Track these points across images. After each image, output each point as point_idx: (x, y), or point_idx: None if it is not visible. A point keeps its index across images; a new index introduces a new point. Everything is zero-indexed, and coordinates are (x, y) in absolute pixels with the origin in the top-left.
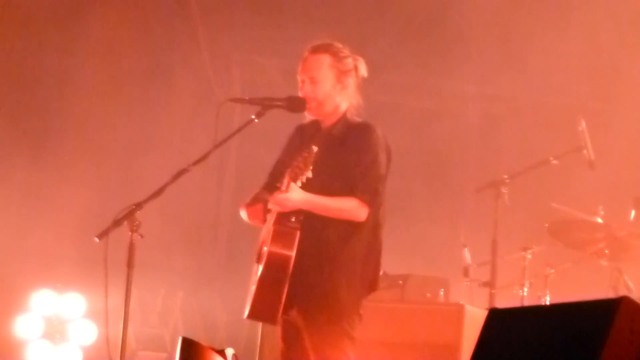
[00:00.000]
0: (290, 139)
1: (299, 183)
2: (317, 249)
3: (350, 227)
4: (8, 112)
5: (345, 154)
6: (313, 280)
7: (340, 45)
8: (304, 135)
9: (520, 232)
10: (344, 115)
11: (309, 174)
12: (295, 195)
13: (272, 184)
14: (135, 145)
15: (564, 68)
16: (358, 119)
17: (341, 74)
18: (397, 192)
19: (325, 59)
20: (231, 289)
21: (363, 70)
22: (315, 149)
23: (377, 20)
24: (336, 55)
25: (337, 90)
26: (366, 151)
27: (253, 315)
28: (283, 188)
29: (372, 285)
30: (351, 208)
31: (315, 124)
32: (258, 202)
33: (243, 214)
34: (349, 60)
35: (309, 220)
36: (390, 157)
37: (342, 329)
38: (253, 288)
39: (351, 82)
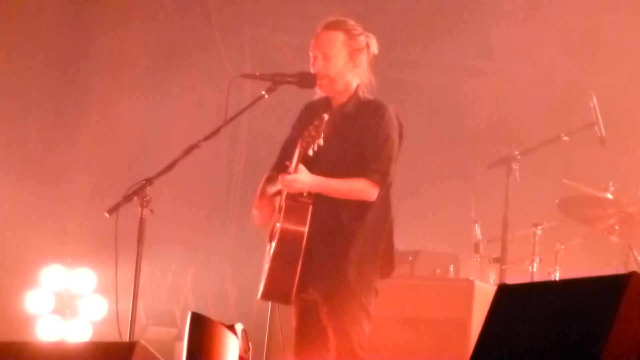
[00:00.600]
0: (300, 116)
1: (310, 152)
2: (329, 227)
3: (361, 205)
4: (20, 88)
5: (357, 132)
6: (327, 259)
7: (353, 23)
8: (315, 112)
9: (531, 208)
10: (356, 92)
11: (321, 142)
12: (303, 177)
13: (282, 162)
14: (147, 121)
15: (576, 44)
16: (370, 97)
17: (354, 52)
18: (408, 168)
19: (339, 36)
20: (242, 264)
21: (374, 48)
22: (326, 117)
23: None
24: (349, 33)
25: (349, 67)
26: (378, 131)
27: (267, 295)
28: (292, 168)
29: (389, 263)
30: (361, 189)
31: (326, 100)
32: (263, 196)
33: (255, 214)
34: (362, 37)
35: (320, 199)
36: (402, 136)
37: (360, 303)
38: (266, 267)
39: (363, 59)
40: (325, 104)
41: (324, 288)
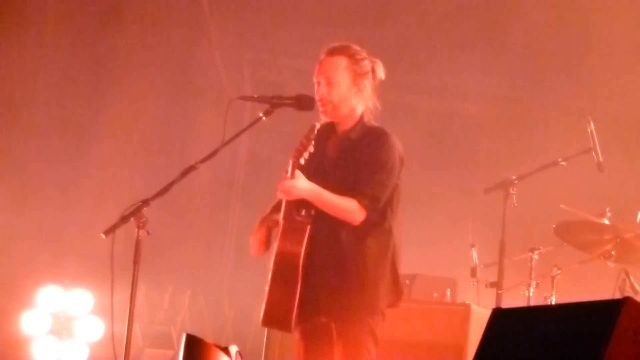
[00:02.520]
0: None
1: (302, 160)
2: (330, 250)
3: (360, 229)
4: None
5: (358, 158)
6: (334, 282)
7: (357, 48)
8: (319, 136)
9: (528, 232)
10: (361, 119)
11: (311, 149)
12: (300, 183)
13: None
14: (145, 141)
15: (573, 69)
16: (375, 124)
17: (357, 76)
18: (406, 192)
19: (342, 61)
20: (239, 287)
21: (380, 73)
22: (317, 125)
23: (388, 21)
24: (353, 57)
25: (352, 92)
26: (376, 157)
27: (267, 321)
28: (288, 174)
29: (397, 290)
30: (349, 209)
31: (330, 125)
32: (262, 226)
33: (251, 242)
34: (366, 62)
35: (319, 219)
36: (403, 160)
37: (368, 327)
38: (266, 288)
39: (367, 84)
40: (330, 129)
41: (335, 313)
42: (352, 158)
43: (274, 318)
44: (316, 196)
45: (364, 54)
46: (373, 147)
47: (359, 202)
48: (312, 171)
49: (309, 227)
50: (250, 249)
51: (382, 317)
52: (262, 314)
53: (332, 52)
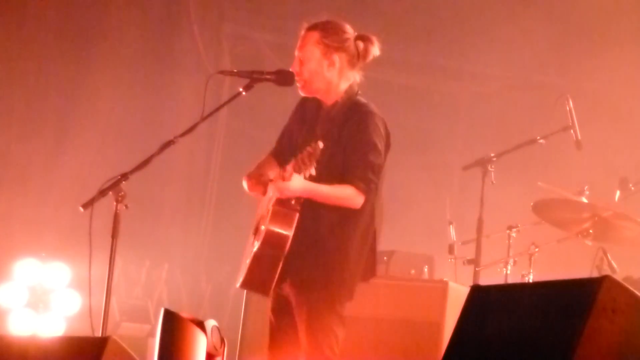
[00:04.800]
0: (296, 108)
1: (302, 177)
2: (313, 229)
3: (345, 211)
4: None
5: (344, 138)
6: (308, 257)
7: (338, 23)
8: (305, 111)
9: (506, 210)
10: (344, 95)
11: (313, 171)
12: (295, 184)
13: (279, 149)
14: (124, 116)
15: (552, 47)
16: (361, 100)
17: (328, 50)
18: (385, 169)
19: (313, 36)
20: (217, 262)
21: (370, 49)
22: (321, 145)
23: None
24: (325, 31)
25: (324, 67)
26: (364, 139)
27: (245, 285)
28: (286, 176)
29: (369, 271)
30: (348, 196)
31: (316, 101)
32: (259, 182)
33: (245, 185)
34: (342, 36)
35: (305, 201)
36: (389, 143)
37: (333, 309)
38: (248, 261)
39: (339, 59)
40: (315, 104)
41: (299, 286)
42: (338, 136)
43: (252, 286)
44: (312, 193)
45: (344, 29)
46: (359, 128)
47: (356, 187)
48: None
49: (297, 214)
50: (249, 189)
51: (350, 299)
52: (240, 280)
53: (309, 28)
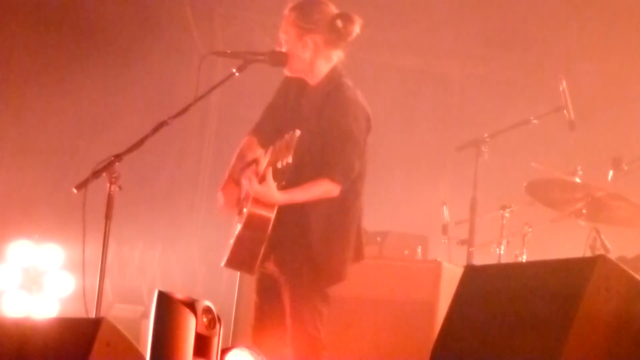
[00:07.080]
0: (280, 86)
1: (279, 164)
2: (295, 210)
3: (329, 201)
4: None
5: (323, 123)
6: (291, 236)
7: (315, 3)
8: (289, 90)
9: (499, 190)
10: (325, 77)
11: (289, 159)
12: (273, 196)
13: (261, 127)
14: (117, 96)
15: (546, 27)
16: (344, 83)
17: (302, 32)
18: (377, 149)
19: (290, 17)
20: (210, 243)
21: (347, 27)
22: (297, 133)
23: None
24: (300, 12)
25: (299, 48)
26: (340, 125)
27: (230, 264)
28: (260, 172)
29: (357, 252)
30: (324, 190)
31: (300, 80)
32: (232, 181)
33: (220, 199)
34: (315, 17)
35: (287, 183)
36: (369, 124)
37: (318, 287)
38: (231, 242)
39: (312, 40)
40: (299, 84)
41: (284, 264)
42: (317, 120)
43: (237, 264)
44: (289, 201)
45: (320, 9)
46: (340, 114)
47: (331, 179)
48: (290, 124)
49: None
50: (219, 204)
51: (339, 280)
52: (225, 259)
53: (289, 9)
